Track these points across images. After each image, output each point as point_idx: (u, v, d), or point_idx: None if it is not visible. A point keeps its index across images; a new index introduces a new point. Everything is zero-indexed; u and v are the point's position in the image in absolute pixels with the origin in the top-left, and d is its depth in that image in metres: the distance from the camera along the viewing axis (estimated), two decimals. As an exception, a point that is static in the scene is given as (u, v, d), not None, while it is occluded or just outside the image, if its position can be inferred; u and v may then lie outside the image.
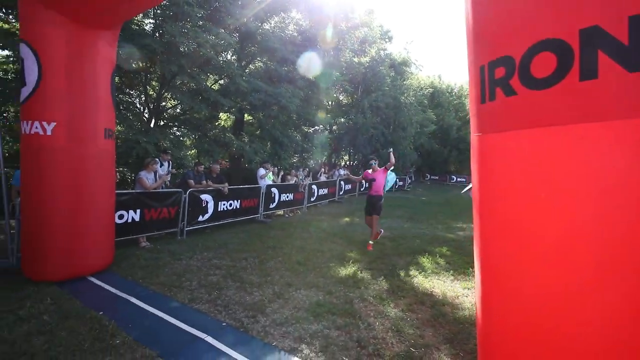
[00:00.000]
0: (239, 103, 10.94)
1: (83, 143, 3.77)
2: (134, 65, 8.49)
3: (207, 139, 10.59)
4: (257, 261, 4.82)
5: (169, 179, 6.91)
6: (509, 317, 1.41)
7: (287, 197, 9.24)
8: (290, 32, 12.01)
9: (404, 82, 21.86)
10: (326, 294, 3.71)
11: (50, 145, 3.59)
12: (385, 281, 4.20)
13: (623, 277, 1.10)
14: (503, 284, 1.44)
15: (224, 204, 6.97)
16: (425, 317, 3.29)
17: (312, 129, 15.78)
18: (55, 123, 3.58)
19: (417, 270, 4.67)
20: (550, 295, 1.25)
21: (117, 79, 7.06)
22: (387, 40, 22.30)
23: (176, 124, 11.25)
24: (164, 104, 11.39)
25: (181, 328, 2.91)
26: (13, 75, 8.33)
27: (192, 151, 11.84)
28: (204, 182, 6.69)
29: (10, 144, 8.38)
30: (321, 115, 14.10)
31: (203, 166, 7.16)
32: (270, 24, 11.99)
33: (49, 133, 3.57)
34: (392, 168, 5.84)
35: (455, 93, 32.00)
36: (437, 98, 29.37)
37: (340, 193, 13.22)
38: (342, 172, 14.11)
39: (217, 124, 13.25)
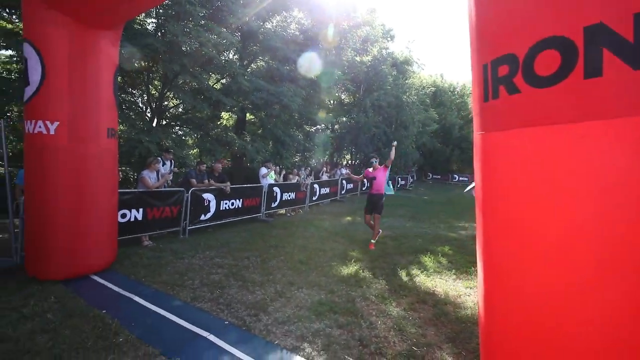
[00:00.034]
0: (241, 102, 10.96)
1: (86, 142, 3.79)
2: (136, 64, 8.52)
3: (209, 138, 10.62)
4: (259, 260, 4.83)
5: (171, 178, 6.93)
6: (511, 316, 1.40)
7: (289, 196, 9.24)
8: (292, 31, 12.00)
9: (406, 81, 21.82)
10: (328, 293, 3.71)
11: (53, 144, 3.60)
12: (387, 280, 4.20)
13: (625, 275, 1.09)
14: (505, 283, 1.43)
15: (226, 203, 6.99)
16: (427, 316, 3.29)
17: (314, 128, 15.78)
18: (58, 122, 3.60)
19: (419, 269, 4.67)
20: (552, 293, 1.25)
21: (119, 78, 7.08)
22: (389, 39, 22.25)
23: (178, 123, 11.28)
24: (166, 103, 11.42)
25: (183, 326, 2.92)
26: (16, 74, 8.39)
27: (194, 150, 11.88)
28: (206, 181, 6.71)
29: (14, 143, 8.44)
30: (321, 115, 14.07)
31: (205, 165, 7.17)
32: (272, 23, 11.99)
33: (52, 132, 3.58)
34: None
35: (458, 92, 31.92)
36: (439, 97, 29.31)
37: (342, 192, 13.21)
38: (343, 171, 14.11)
39: (219, 123, 13.27)
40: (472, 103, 1.66)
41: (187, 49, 8.51)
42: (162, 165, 6.46)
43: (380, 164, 5.92)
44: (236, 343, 2.68)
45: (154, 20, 9.26)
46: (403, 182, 20.02)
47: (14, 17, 8.12)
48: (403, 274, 4.43)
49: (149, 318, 3.05)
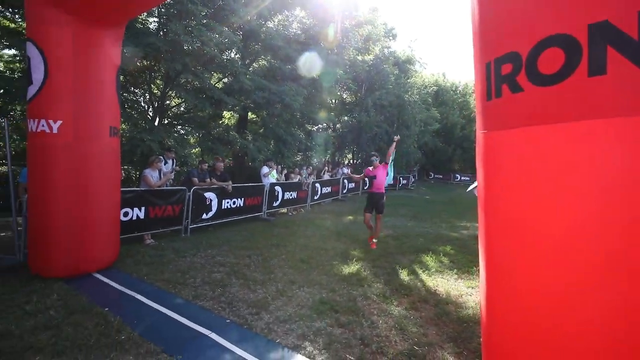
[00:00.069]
0: (242, 101, 10.97)
1: (89, 141, 3.80)
2: (138, 63, 8.54)
3: (210, 137, 10.64)
4: (261, 259, 4.84)
5: (172, 177, 6.95)
6: (513, 315, 1.40)
7: (291, 195, 9.25)
8: (294, 30, 12.01)
9: (408, 80, 21.77)
10: (329, 292, 3.71)
11: (56, 143, 3.62)
12: (388, 279, 4.19)
13: (628, 274, 1.08)
14: (507, 282, 1.43)
15: (227, 202, 7.00)
16: (429, 315, 3.28)
17: (316, 127, 15.77)
18: (61, 121, 3.61)
19: (421, 268, 4.66)
20: (554, 293, 1.24)
21: (121, 77, 7.09)
22: (391, 38, 22.21)
23: (180, 122, 11.30)
24: (168, 102, 11.45)
25: (185, 324, 2.93)
26: (19, 73, 8.42)
27: (196, 149, 11.92)
28: (208, 180, 6.72)
29: (17, 142, 8.47)
30: (322, 114, 14.05)
31: (207, 164, 7.19)
32: (274, 22, 12.00)
33: (55, 131, 3.60)
34: (391, 161, 5.64)
35: (460, 91, 31.81)
36: (441, 96, 29.22)
37: (344, 191, 13.21)
38: (345, 170, 14.10)
39: (220, 122, 13.29)
40: (475, 102, 1.65)
41: (189, 48, 8.52)
42: (164, 164, 6.48)
43: (380, 162, 5.87)
44: (237, 341, 2.68)
45: (156, 19, 9.28)
46: (405, 182, 19.98)
47: (16, 16, 8.16)
48: (404, 274, 4.43)
49: (151, 316, 3.06)
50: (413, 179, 21.78)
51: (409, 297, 3.70)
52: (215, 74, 11.32)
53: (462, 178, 28.63)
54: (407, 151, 20.29)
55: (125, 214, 5.05)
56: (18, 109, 9.00)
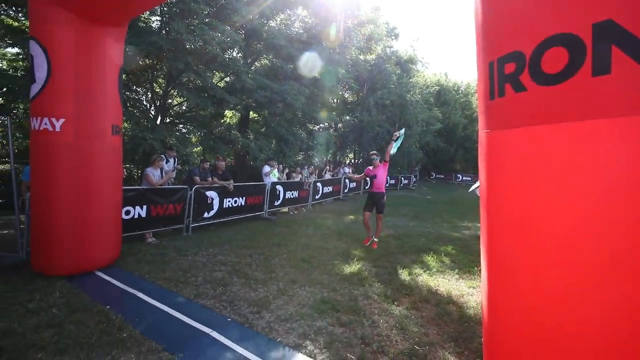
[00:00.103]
0: (244, 100, 10.98)
1: (91, 139, 3.81)
2: (140, 62, 8.55)
3: (212, 136, 10.65)
4: (262, 258, 4.84)
5: (174, 175, 6.96)
6: (515, 315, 1.39)
7: (292, 194, 9.25)
8: (296, 30, 12.00)
9: (410, 80, 21.74)
10: (330, 291, 3.71)
11: (59, 141, 3.63)
12: (389, 279, 4.19)
13: (632, 274, 1.08)
14: (510, 282, 1.42)
15: (229, 201, 7.01)
16: (430, 315, 3.28)
17: (317, 126, 15.76)
18: (64, 119, 3.62)
19: (422, 268, 4.66)
20: (557, 293, 1.24)
21: (124, 76, 7.11)
22: (393, 37, 22.18)
23: (182, 121, 11.32)
24: (170, 101, 11.47)
25: (187, 323, 2.93)
26: (22, 72, 8.46)
27: (198, 148, 11.95)
28: (210, 179, 6.73)
29: (20, 140, 8.52)
30: (323, 114, 14.04)
31: (209, 163, 7.20)
32: (276, 21, 11.99)
33: (57, 129, 3.61)
34: (400, 140, 5.60)
35: (462, 91, 31.72)
36: (443, 96, 29.15)
37: (345, 191, 13.20)
38: (346, 169, 14.10)
39: (222, 121, 13.31)
40: (478, 101, 1.64)
41: (191, 47, 8.54)
42: (166, 163, 6.49)
43: (381, 161, 5.83)
44: (239, 340, 2.69)
45: (158, 18, 9.30)
46: (406, 182, 19.95)
47: (20, 15, 8.19)
48: (405, 273, 4.42)
49: (153, 314, 3.07)
50: (414, 179, 21.74)
51: (410, 296, 3.70)
52: (217, 73, 11.34)
53: (464, 178, 28.55)
54: (408, 151, 20.26)
55: (127, 213, 5.06)
56: (21, 107, 9.04)
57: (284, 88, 10.82)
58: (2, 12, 8.08)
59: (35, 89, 3.61)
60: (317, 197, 10.76)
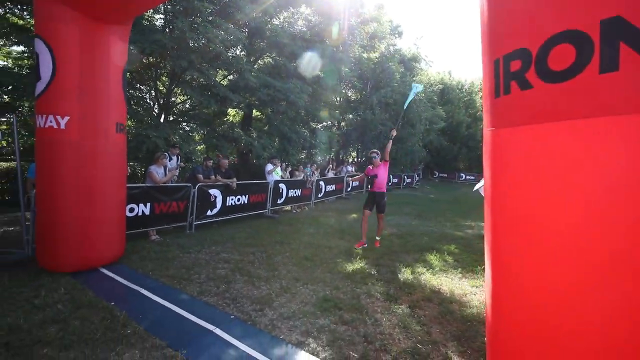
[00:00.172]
0: (247, 98, 10.98)
1: (95, 137, 3.83)
2: (144, 60, 8.58)
3: (215, 134, 10.68)
4: (265, 256, 4.85)
5: (177, 173, 6.99)
6: (518, 314, 1.39)
7: (295, 192, 9.26)
8: (300, 28, 11.97)
9: (414, 78, 21.63)
10: (333, 289, 3.72)
11: (63, 138, 3.65)
12: (392, 278, 4.18)
13: (632, 274, 1.07)
14: (513, 280, 1.42)
15: (232, 199, 7.03)
16: (433, 314, 3.27)
17: (320, 125, 15.74)
18: (68, 117, 3.65)
19: (425, 267, 4.65)
20: (561, 292, 1.23)
21: (127, 74, 7.15)
22: (396, 35, 22.06)
23: (185, 119, 11.35)
24: (173, 99, 11.51)
25: (190, 320, 2.95)
26: (27, 70, 8.51)
27: (201, 146, 11.99)
28: (213, 177, 6.75)
29: (25, 137, 8.58)
30: (324, 113, 14.02)
31: (212, 161, 7.22)
32: (280, 19, 11.96)
33: (62, 127, 3.63)
34: (417, 91, 6.04)
35: (466, 89, 31.52)
36: (447, 94, 28.99)
37: (348, 189, 13.19)
38: (349, 168, 14.08)
39: (225, 119, 13.34)
40: (483, 99, 1.63)
41: (195, 45, 8.55)
42: (169, 161, 6.52)
43: (381, 159, 5.76)
44: (242, 337, 2.70)
45: (162, 16, 9.32)
46: (409, 180, 19.89)
47: (25, 13, 8.24)
48: (408, 272, 4.41)
49: (156, 311, 3.09)
50: (417, 178, 21.68)
51: (412, 295, 3.70)
52: (220, 71, 11.35)
53: (467, 177, 28.38)
54: (412, 150, 20.20)
55: (131, 210, 5.09)
56: (26, 105, 9.11)
57: (287, 86, 10.81)
58: (8, 10, 8.13)
59: (40, 87, 3.63)
60: (319, 195, 10.76)
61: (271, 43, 11.30)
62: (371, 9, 19.02)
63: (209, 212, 6.52)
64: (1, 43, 8.84)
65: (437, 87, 26.64)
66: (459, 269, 4.64)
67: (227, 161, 7.40)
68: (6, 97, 8.42)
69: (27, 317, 2.79)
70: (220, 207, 6.75)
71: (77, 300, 3.16)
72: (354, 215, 9.09)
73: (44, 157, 3.73)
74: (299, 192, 9.42)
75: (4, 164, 9.34)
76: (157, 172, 5.68)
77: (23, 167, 4.88)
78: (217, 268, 4.25)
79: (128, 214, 4.92)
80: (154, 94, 10.82)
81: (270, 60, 12.54)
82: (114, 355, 2.36)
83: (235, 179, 7.06)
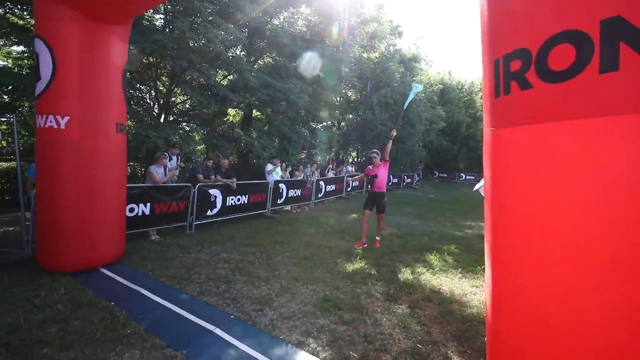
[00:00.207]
0: (247, 98, 10.98)
1: (95, 137, 3.83)
2: (144, 60, 8.58)
3: (215, 134, 10.68)
4: (265, 256, 4.85)
5: (177, 173, 6.99)
6: (518, 314, 1.39)
7: (295, 192, 9.26)
8: (300, 28, 11.96)
9: (414, 78, 21.63)
10: (333, 289, 3.72)
11: (63, 138, 3.65)
12: (392, 278, 4.18)
13: (632, 274, 1.07)
14: (513, 280, 1.42)
15: (232, 199, 7.03)
16: (433, 314, 3.27)
17: (320, 125, 15.74)
18: (68, 117, 3.65)
19: (425, 267, 4.65)
20: (561, 292, 1.23)
21: (127, 74, 7.15)
22: (396, 35, 22.07)
23: (185, 119, 11.35)
24: (173, 99, 11.50)
25: (190, 320, 2.95)
26: (27, 70, 8.51)
27: (201, 146, 11.99)
28: (213, 177, 6.75)
29: (25, 137, 8.58)
30: (324, 113, 14.02)
31: (212, 161, 7.22)
32: (280, 19, 11.96)
33: (62, 127, 3.63)
34: (417, 91, 6.04)
35: (466, 89, 31.52)
36: (447, 94, 28.99)
37: (348, 189, 13.19)
38: (349, 168, 14.08)
39: (225, 119, 13.34)
40: (483, 99, 1.63)
41: (195, 45, 8.55)
42: (169, 161, 6.52)
43: (381, 159, 5.75)
44: (242, 337, 2.70)
45: (162, 16, 9.32)
46: (409, 180, 19.89)
47: (25, 13, 8.24)
48: (408, 272, 4.41)
49: (156, 311, 3.09)
50: (417, 178, 21.67)
51: (412, 295, 3.70)
52: (220, 71, 11.35)
53: (467, 177, 28.38)
54: (412, 150, 20.19)
55: (131, 210, 5.09)
56: (26, 105, 9.11)
57: (287, 86, 10.81)
58: (8, 10, 8.13)
59: (40, 87, 3.63)
60: (319, 195, 10.76)
61: (271, 43, 11.30)
62: (371, 9, 19.03)
63: (209, 212, 6.52)
64: (1, 43, 8.84)
65: (437, 87, 26.65)
66: (459, 269, 4.64)
67: (227, 161, 7.40)
68: (6, 97, 8.42)
69: (27, 317, 2.79)
70: (220, 207, 6.75)
71: (77, 300, 3.16)
72: (354, 215, 9.09)
73: (44, 157, 3.73)
74: (299, 192, 9.42)
75: (4, 164, 9.34)
76: (157, 172, 5.68)
77: (23, 167, 4.88)
78: (217, 268, 4.25)
79: (128, 214, 4.92)
80: (154, 94, 10.82)
81: (270, 60, 12.54)
82: (114, 355, 2.36)
83: (235, 179, 7.06)
